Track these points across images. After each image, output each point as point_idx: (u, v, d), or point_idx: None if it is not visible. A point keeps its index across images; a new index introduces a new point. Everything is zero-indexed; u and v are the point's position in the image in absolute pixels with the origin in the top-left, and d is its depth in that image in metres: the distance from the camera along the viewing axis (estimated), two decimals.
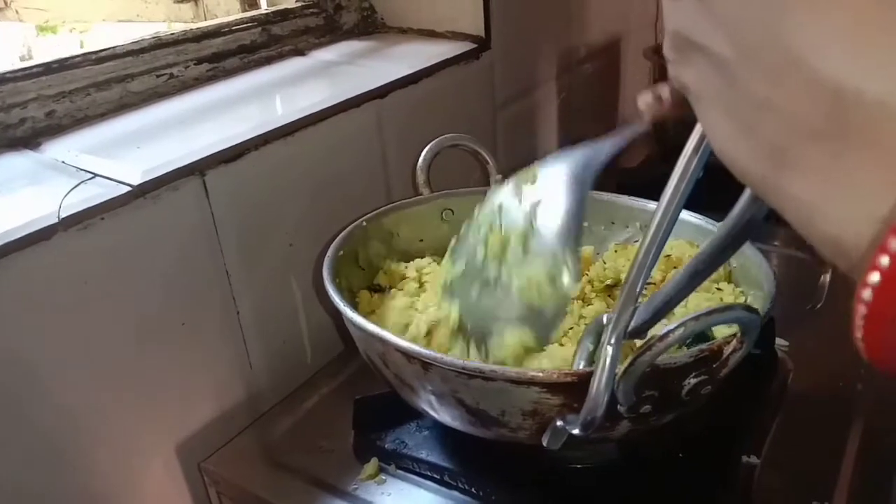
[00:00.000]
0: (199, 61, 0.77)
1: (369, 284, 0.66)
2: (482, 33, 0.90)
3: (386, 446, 0.60)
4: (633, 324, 0.42)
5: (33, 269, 0.51)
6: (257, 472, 0.60)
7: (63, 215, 0.52)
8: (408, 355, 0.49)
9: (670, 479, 0.56)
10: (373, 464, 0.59)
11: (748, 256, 0.57)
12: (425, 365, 0.49)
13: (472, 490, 0.56)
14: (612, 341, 0.42)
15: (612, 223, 0.71)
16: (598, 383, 0.41)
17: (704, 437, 0.58)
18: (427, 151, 0.70)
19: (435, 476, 0.58)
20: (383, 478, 0.59)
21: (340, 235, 0.64)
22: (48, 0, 1.10)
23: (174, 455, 0.64)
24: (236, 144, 0.63)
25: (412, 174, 0.72)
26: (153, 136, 0.65)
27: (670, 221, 0.39)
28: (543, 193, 0.50)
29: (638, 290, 0.41)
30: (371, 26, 0.96)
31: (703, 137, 0.36)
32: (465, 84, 0.89)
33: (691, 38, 0.27)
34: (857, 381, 0.65)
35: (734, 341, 0.45)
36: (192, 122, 0.67)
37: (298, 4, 0.89)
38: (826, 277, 0.80)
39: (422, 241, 0.71)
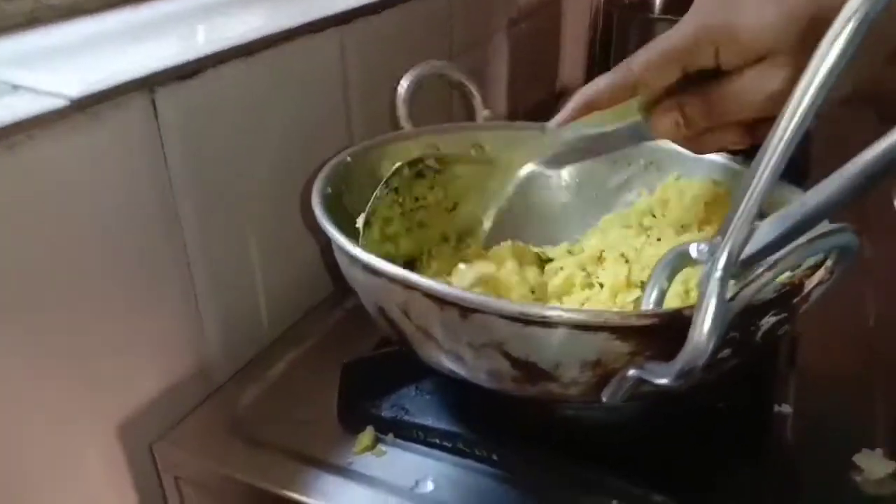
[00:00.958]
0: None
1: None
2: None
3: (383, 414, 0.52)
4: (749, 249, 0.35)
5: None
6: (227, 451, 0.50)
7: None
8: (442, 301, 0.40)
9: (704, 433, 0.51)
10: (368, 434, 0.51)
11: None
12: (465, 311, 0.40)
13: (493, 457, 0.49)
14: (720, 271, 0.34)
15: (614, 162, 0.65)
16: (703, 324, 0.34)
17: (730, 388, 0.53)
18: (410, 81, 0.62)
19: (446, 444, 0.50)
20: (383, 449, 0.50)
21: (324, 171, 0.55)
22: None
23: (114, 436, 0.53)
24: (192, 60, 0.52)
25: (390, 107, 0.63)
26: (81, 51, 0.53)
27: (803, 121, 0.32)
28: None
29: (757, 207, 0.34)
30: None
31: (851, 20, 0.30)
32: (425, 21, 0.81)
33: None
34: (867, 317, 0.62)
35: (821, 272, 0.39)
36: (127, 40, 0.56)
37: None
38: None
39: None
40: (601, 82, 0.49)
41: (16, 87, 0.46)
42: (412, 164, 0.60)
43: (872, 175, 0.30)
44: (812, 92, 0.31)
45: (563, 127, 0.52)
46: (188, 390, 0.57)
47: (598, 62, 1.30)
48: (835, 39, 0.30)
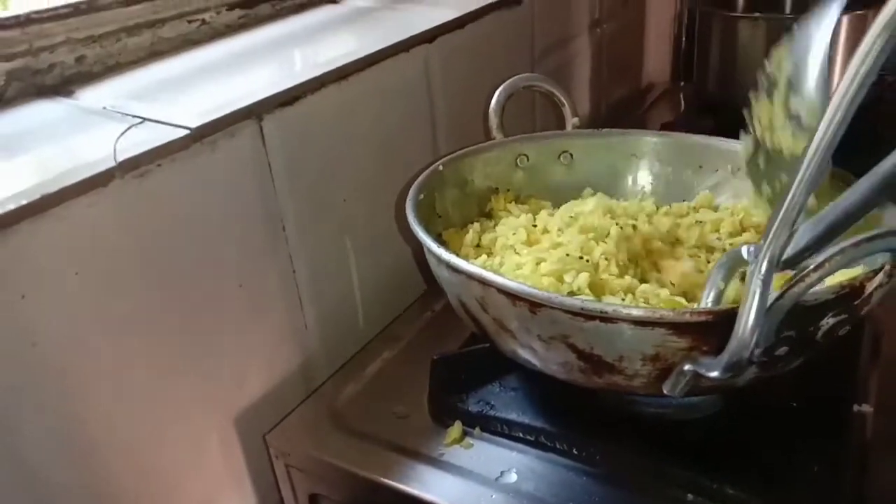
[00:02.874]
0: (231, 7, 0.72)
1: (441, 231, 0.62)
2: None
3: (470, 409, 0.56)
4: (789, 251, 0.37)
5: (87, 220, 0.45)
6: (331, 441, 0.56)
7: (120, 159, 0.46)
8: (513, 296, 0.45)
9: (783, 432, 0.52)
10: (457, 427, 0.55)
11: None
12: (534, 307, 0.44)
13: (573, 451, 0.52)
14: (763, 271, 0.37)
15: (700, 167, 0.66)
16: (747, 321, 0.37)
17: (810, 387, 0.54)
18: (500, 93, 0.66)
19: (529, 438, 0.53)
20: (470, 441, 0.54)
21: (419, 179, 0.59)
22: None
23: (232, 428, 0.59)
24: (294, 86, 0.57)
25: (481, 117, 0.67)
26: (196, 82, 0.59)
27: (837, 131, 0.34)
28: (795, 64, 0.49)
29: (797, 211, 0.36)
30: None
31: (887, 29, 0.31)
32: (506, 32, 0.84)
33: None
34: None
35: (881, 274, 0.40)
36: (233, 69, 0.62)
37: None
38: None
39: (496, 187, 0.67)
40: None
41: (143, 120, 0.52)
42: None
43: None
44: (845, 104, 0.33)
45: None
46: (294, 386, 0.63)
47: (684, 57, 1.29)
48: (865, 56, 0.31)
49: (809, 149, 0.34)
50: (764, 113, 0.52)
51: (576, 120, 0.71)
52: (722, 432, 0.53)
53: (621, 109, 1.20)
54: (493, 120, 0.67)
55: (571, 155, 0.69)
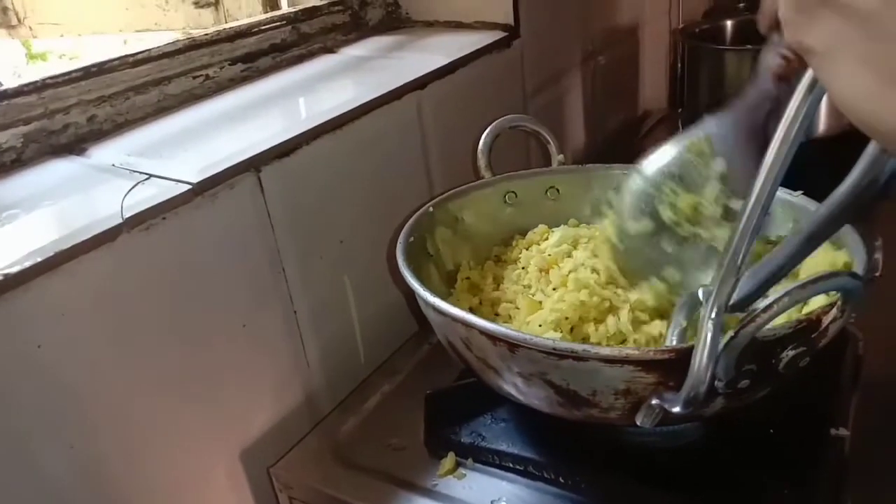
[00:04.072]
0: (234, 62, 0.76)
1: (441, 270, 0.65)
2: (512, 21, 0.89)
3: (462, 440, 0.58)
4: (735, 297, 0.40)
5: (97, 273, 0.49)
6: (331, 474, 0.58)
7: (126, 215, 0.50)
8: (493, 337, 0.48)
9: (760, 458, 0.54)
10: (450, 459, 0.57)
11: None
12: (512, 347, 0.47)
13: (560, 479, 0.54)
14: (713, 315, 0.40)
15: None
16: (701, 358, 0.40)
17: (788, 413, 0.57)
18: (487, 134, 0.69)
19: (518, 468, 0.56)
20: (463, 472, 0.57)
21: (409, 222, 0.63)
22: (63, 15, 1.08)
23: (237, 461, 0.62)
24: (289, 139, 0.61)
25: (471, 158, 0.71)
26: (199, 136, 0.63)
27: (772, 188, 0.37)
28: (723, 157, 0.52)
29: (740, 260, 0.39)
30: (396, 21, 0.95)
31: (808, 95, 0.35)
32: (497, 73, 0.88)
33: None
34: None
35: (834, 310, 0.43)
36: (235, 122, 0.66)
37: (324, 2, 0.88)
38: (879, 244, 0.78)
39: (486, 225, 0.70)
40: None
41: (149, 177, 0.56)
42: None
43: (819, 234, 0.36)
44: (784, 153, 0.36)
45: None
46: (297, 420, 0.66)
47: (681, 84, 1.32)
48: (792, 114, 0.35)
49: (748, 200, 0.37)
50: (685, 203, 0.54)
51: (561, 157, 0.74)
52: (703, 459, 0.55)
53: (618, 138, 1.23)
54: (482, 160, 0.71)
55: (558, 190, 0.73)
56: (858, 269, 0.50)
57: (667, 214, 0.55)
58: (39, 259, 0.46)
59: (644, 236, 0.56)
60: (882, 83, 0.26)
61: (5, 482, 0.46)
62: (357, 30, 0.91)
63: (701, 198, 0.53)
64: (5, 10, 1.09)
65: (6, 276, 0.44)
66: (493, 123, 0.71)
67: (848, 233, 0.53)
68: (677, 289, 0.54)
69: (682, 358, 0.41)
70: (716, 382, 0.42)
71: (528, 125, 0.72)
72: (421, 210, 0.65)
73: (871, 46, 0.26)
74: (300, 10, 0.84)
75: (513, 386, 0.51)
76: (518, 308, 0.60)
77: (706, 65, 1.01)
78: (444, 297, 0.52)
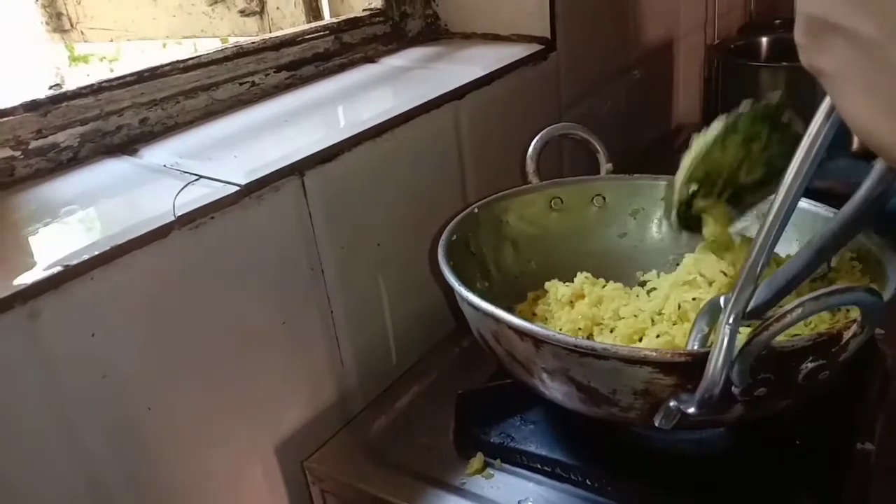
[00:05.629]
0: (278, 69, 0.79)
1: (482, 269, 0.67)
2: (548, 34, 0.91)
3: (492, 440, 0.60)
4: (752, 304, 0.41)
5: (149, 267, 0.51)
6: (362, 469, 0.60)
7: (178, 214, 0.52)
8: (520, 332, 0.50)
9: (786, 468, 0.55)
10: (478, 458, 0.59)
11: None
12: (537, 342, 0.49)
13: (587, 482, 0.56)
14: (731, 321, 0.41)
15: None
16: (716, 362, 0.41)
17: (815, 425, 0.57)
18: (538, 140, 0.72)
19: (546, 469, 0.57)
20: (491, 472, 0.58)
21: (454, 221, 0.65)
22: (113, 20, 1.12)
23: (272, 455, 0.64)
24: (332, 145, 0.63)
25: (506, 166, 0.73)
26: (245, 140, 0.66)
27: (792, 203, 0.39)
28: None
29: (758, 270, 0.40)
30: (435, 33, 0.97)
31: (828, 117, 0.36)
32: (533, 85, 0.90)
33: (830, 21, 0.28)
34: None
35: (854, 325, 0.44)
36: (279, 127, 0.68)
37: (366, 13, 0.91)
38: None
39: (529, 228, 0.72)
40: None
41: (198, 178, 0.58)
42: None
43: (831, 246, 0.37)
44: (804, 170, 0.37)
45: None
46: (330, 417, 0.68)
47: (715, 100, 1.33)
48: (813, 133, 0.36)
49: (769, 213, 0.38)
50: None
51: (609, 166, 0.75)
52: (729, 468, 0.56)
53: (651, 151, 1.24)
54: (530, 165, 0.73)
55: (604, 198, 0.74)
56: (890, 286, 0.51)
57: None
58: (97, 252, 0.48)
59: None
60: (883, 109, 0.27)
61: (54, 464, 0.49)
62: (397, 41, 0.93)
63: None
64: (59, 15, 1.14)
65: (66, 266, 0.47)
66: (544, 130, 0.73)
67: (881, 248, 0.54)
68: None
69: (700, 362, 0.43)
70: (732, 388, 0.44)
71: (578, 133, 0.74)
72: (467, 210, 0.67)
73: (875, 74, 0.27)
74: (343, 21, 0.87)
75: (539, 381, 0.53)
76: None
77: (741, 81, 1.02)
78: (481, 294, 0.54)
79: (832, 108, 0.35)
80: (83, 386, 0.49)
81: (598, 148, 0.75)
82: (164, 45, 1.39)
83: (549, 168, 0.88)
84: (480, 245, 0.69)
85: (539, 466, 0.58)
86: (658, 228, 0.74)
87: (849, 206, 0.38)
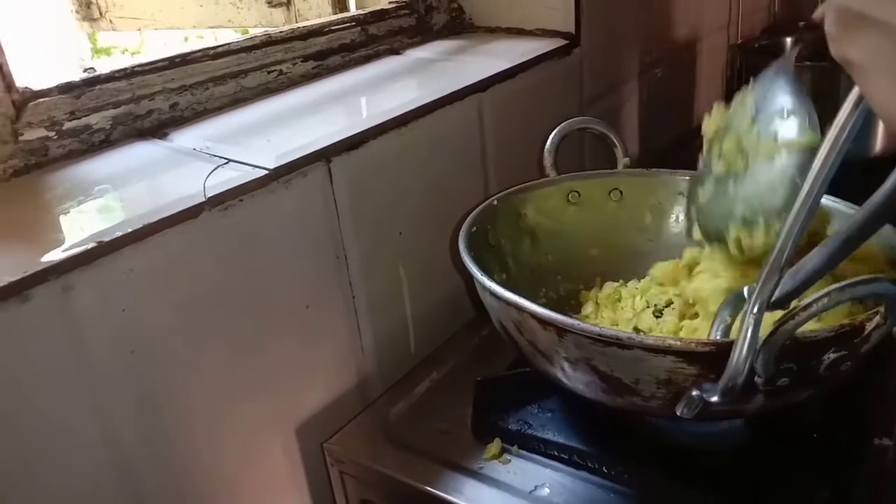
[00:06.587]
0: (305, 59, 0.80)
1: (500, 260, 0.68)
2: (573, 30, 0.91)
3: (510, 427, 0.61)
4: (777, 294, 0.42)
5: (179, 246, 0.53)
6: (381, 452, 0.61)
7: (209, 195, 0.53)
8: (543, 322, 0.50)
9: (802, 462, 0.55)
10: (496, 444, 0.60)
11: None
12: (560, 332, 0.50)
13: (603, 469, 0.56)
14: (755, 311, 0.42)
15: None
16: (740, 351, 0.42)
17: (833, 420, 0.58)
18: (556, 134, 0.72)
19: (563, 456, 0.58)
20: (508, 458, 0.59)
21: (474, 213, 0.66)
22: (141, 9, 1.14)
23: (293, 436, 0.65)
24: (358, 133, 0.64)
25: (528, 159, 0.73)
26: (273, 126, 0.67)
27: (819, 192, 0.39)
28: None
29: (784, 259, 0.41)
30: (460, 26, 0.98)
31: (856, 107, 0.36)
32: (556, 80, 0.90)
33: (863, 13, 0.28)
34: None
35: (878, 317, 0.44)
36: (306, 115, 0.69)
37: (392, 5, 0.91)
38: None
39: (547, 221, 0.72)
40: None
41: (228, 161, 0.59)
42: None
43: (857, 237, 0.39)
44: (831, 160, 0.37)
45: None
46: (350, 401, 0.69)
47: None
48: (840, 123, 0.36)
49: (795, 204, 0.39)
50: (728, 144, 0.58)
51: (627, 160, 0.76)
52: (745, 461, 0.56)
53: (671, 149, 1.24)
54: (548, 159, 0.73)
55: (621, 192, 0.74)
56: None
57: (717, 166, 0.57)
58: (129, 230, 0.50)
59: (712, 197, 0.58)
60: None
61: (81, 434, 0.50)
62: (422, 33, 0.94)
63: (740, 133, 0.57)
64: (89, 4, 1.16)
65: (98, 243, 0.48)
66: (563, 124, 0.73)
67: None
68: (755, 226, 0.55)
69: (723, 352, 0.43)
70: (755, 378, 0.44)
71: (596, 127, 0.74)
72: (486, 202, 0.68)
73: None
74: (369, 13, 0.88)
75: (560, 370, 0.53)
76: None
77: None
78: (501, 284, 0.54)
79: (860, 99, 0.35)
80: (112, 360, 0.50)
81: (616, 142, 0.76)
82: (186, 39, 1.41)
83: (570, 163, 0.89)
84: (499, 237, 0.69)
85: (556, 454, 0.58)
86: (675, 223, 0.74)
87: (876, 197, 0.39)
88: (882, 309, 0.43)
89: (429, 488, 0.57)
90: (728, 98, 0.61)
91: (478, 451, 0.60)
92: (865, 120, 0.36)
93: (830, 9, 0.31)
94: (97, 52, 1.69)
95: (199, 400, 0.57)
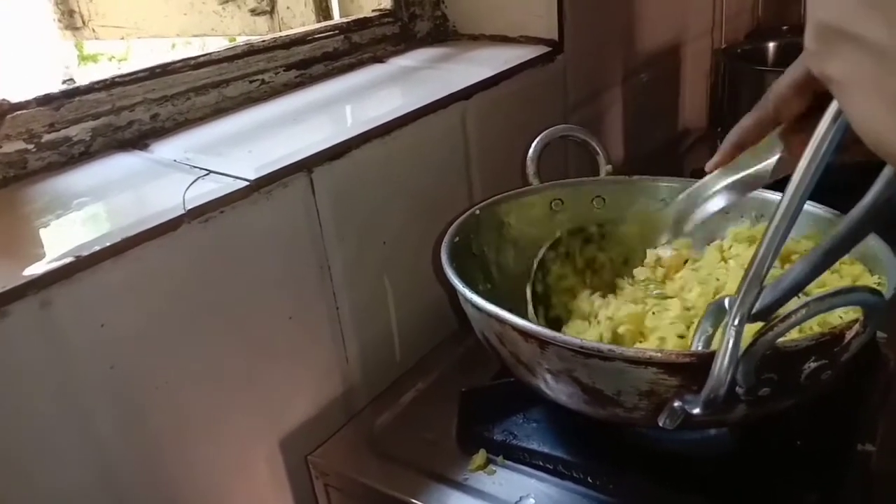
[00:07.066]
0: (288, 68, 0.79)
1: (484, 270, 0.68)
2: (556, 37, 0.91)
3: (495, 437, 0.60)
4: (757, 306, 0.42)
5: (159, 259, 0.52)
6: (366, 464, 0.61)
7: (188, 207, 0.53)
8: (525, 334, 0.50)
9: (787, 469, 0.55)
10: (481, 455, 0.59)
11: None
12: (542, 344, 0.50)
13: (588, 479, 0.56)
14: (736, 322, 0.42)
15: (727, 213, 0.70)
16: (721, 363, 0.42)
17: (817, 426, 0.58)
18: (538, 142, 0.72)
19: (548, 466, 0.58)
20: (493, 468, 0.59)
21: (456, 223, 0.65)
22: (124, 18, 1.13)
23: (277, 449, 0.65)
24: (341, 142, 0.64)
25: (512, 167, 0.73)
26: (255, 136, 0.66)
27: (798, 205, 0.39)
28: None
29: (764, 271, 0.41)
30: (444, 34, 0.98)
31: (835, 120, 0.36)
32: (539, 87, 0.90)
33: (842, 28, 0.28)
34: None
35: (857, 325, 0.44)
36: (288, 125, 0.69)
37: (375, 13, 0.91)
38: None
39: (531, 229, 0.72)
40: (745, 122, 0.53)
41: (208, 172, 0.59)
42: (573, 233, 0.66)
43: (837, 249, 0.38)
44: (811, 173, 0.37)
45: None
46: (334, 412, 0.69)
47: (721, 104, 1.34)
48: (820, 137, 0.37)
49: (775, 215, 0.39)
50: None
51: (609, 167, 0.76)
52: (731, 468, 0.57)
53: (657, 155, 1.25)
54: (531, 167, 0.73)
55: (604, 199, 0.74)
56: (890, 286, 0.51)
57: None
58: (108, 244, 0.49)
59: None
60: (893, 115, 0.27)
61: (66, 450, 0.49)
62: (406, 41, 0.94)
63: None
64: (72, 12, 1.15)
65: (77, 257, 0.48)
66: (545, 132, 0.73)
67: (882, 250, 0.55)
68: None
69: (705, 363, 0.43)
70: (737, 388, 0.44)
71: (578, 135, 0.74)
72: (468, 212, 0.68)
73: (884, 80, 0.27)
74: (352, 21, 0.88)
75: (543, 381, 0.53)
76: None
77: (747, 85, 1.02)
78: (484, 296, 0.54)
79: (839, 112, 0.35)
80: (92, 375, 0.50)
81: (598, 149, 0.76)
82: (174, 46, 1.40)
83: (554, 171, 0.89)
84: (482, 246, 0.69)
85: (541, 464, 0.58)
86: None
87: (856, 211, 0.39)
88: (861, 317, 0.43)
89: (414, 500, 0.57)
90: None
91: (463, 462, 0.60)
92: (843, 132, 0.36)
93: (810, 24, 0.31)
94: (83, 59, 1.68)
95: (181, 414, 0.56)
